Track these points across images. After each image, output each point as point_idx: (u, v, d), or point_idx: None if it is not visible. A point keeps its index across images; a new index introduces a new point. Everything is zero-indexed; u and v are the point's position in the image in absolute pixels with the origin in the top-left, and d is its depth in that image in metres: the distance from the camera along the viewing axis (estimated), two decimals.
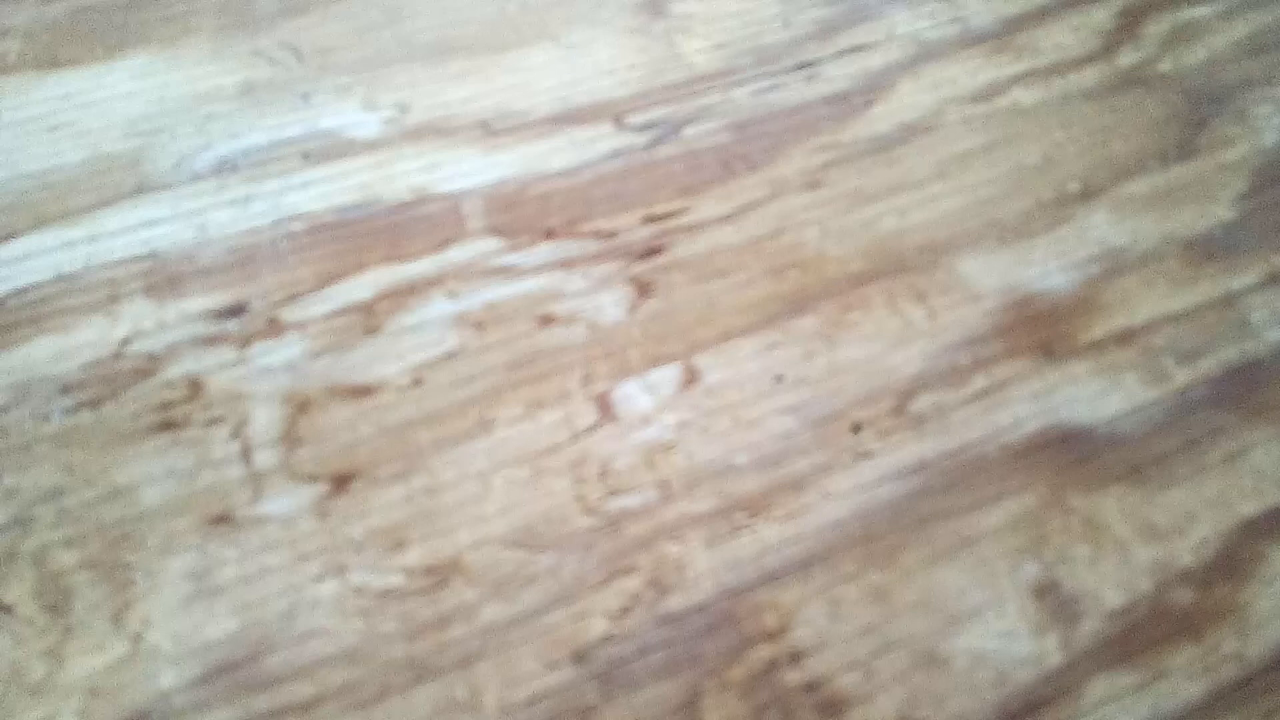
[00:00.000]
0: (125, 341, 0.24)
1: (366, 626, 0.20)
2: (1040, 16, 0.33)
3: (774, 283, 0.25)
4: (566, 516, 0.21)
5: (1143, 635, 0.20)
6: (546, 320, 0.24)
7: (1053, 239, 0.26)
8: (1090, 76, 0.31)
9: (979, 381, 0.23)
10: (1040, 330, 0.24)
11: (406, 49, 0.31)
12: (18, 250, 0.26)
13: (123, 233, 0.26)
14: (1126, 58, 0.31)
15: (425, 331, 0.24)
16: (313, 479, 0.22)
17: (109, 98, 0.30)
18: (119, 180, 0.27)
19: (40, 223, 0.26)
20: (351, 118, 0.29)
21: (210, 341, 0.24)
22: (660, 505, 0.21)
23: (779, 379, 0.23)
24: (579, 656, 0.19)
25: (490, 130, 0.29)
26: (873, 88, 0.30)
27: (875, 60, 0.31)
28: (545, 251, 0.26)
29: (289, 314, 0.25)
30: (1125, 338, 0.24)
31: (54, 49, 0.31)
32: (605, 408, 0.23)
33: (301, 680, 0.19)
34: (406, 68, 0.31)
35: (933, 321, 0.25)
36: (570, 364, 0.24)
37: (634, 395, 0.23)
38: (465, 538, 0.21)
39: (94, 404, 0.23)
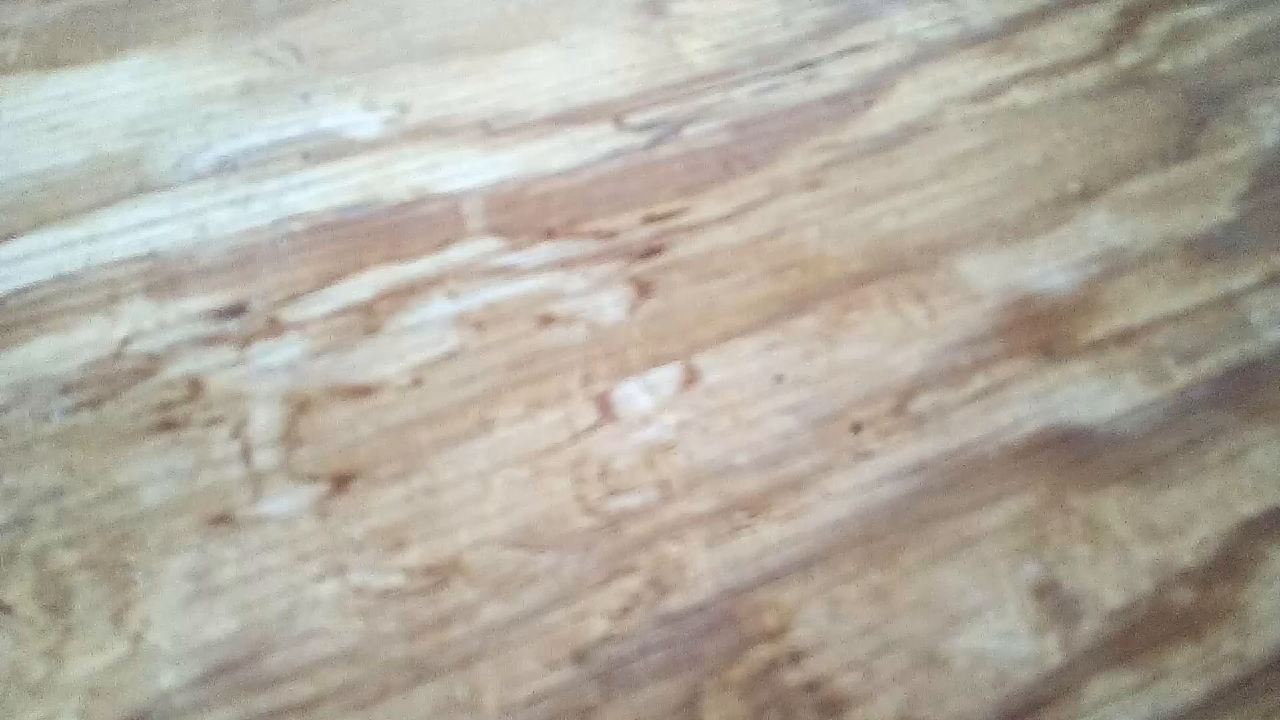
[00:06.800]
0: (125, 341, 0.24)
1: (366, 626, 0.20)
2: (1040, 16, 0.33)
3: (774, 283, 0.25)
4: (566, 516, 0.21)
5: (1143, 635, 0.20)
6: (546, 320, 0.24)
7: (1053, 239, 0.26)
8: (1090, 76, 0.31)
9: (979, 381, 0.23)
10: (1040, 330, 0.24)
11: (406, 49, 0.31)
12: (18, 250, 0.26)
13: (123, 233, 0.26)
14: (1126, 58, 0.31)
15: (425, 331, 0.24)
16: (313, 479, 0.22)
17: (109, 98, 0.30)
18: (119, 180, 0.27)
19: (40, 223, 0.26)
20: (351, 118, 0.29)
21: (210, 341, 0.24)
22: (660, 505, 0.21)
23: (779, 379, 0.23)
24: (579, 656, 0.19)
25: (490, 130, 0.29)
26: (873, 88, 0.30)
27: (875, 60, 0.31)
28: (545, 251, 0.26)
29: (289, 314, 0.25)
30: (1125, 338, 0.24)
31: (54, 49, 0.31)
32: (605, 408, 0.23)
33: (301, 680, 0.19)
34: (406, 68, 0.31)
35: (933, 321, 0.25)
36: (570, 364, 0.24)
37: (634, 395, 0.23)
38: (465, 538, 0.21)
39: (94, 404, 0.23)
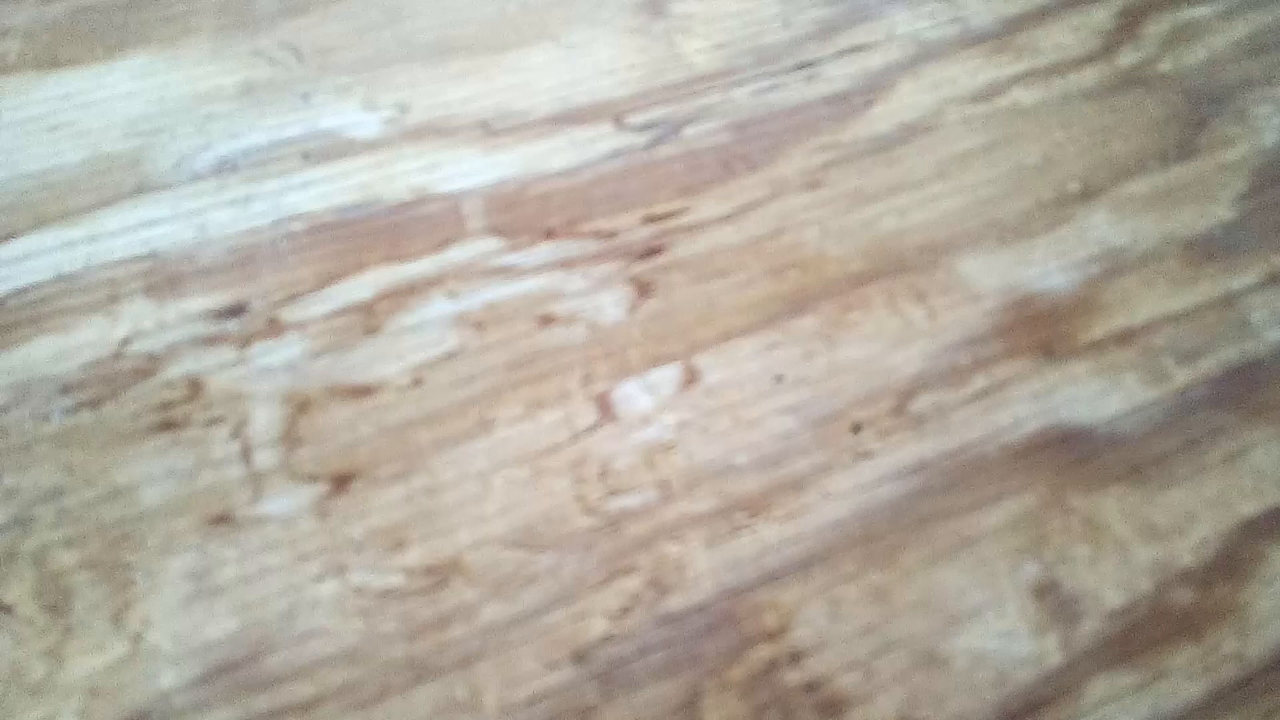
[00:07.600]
0: (125, 341, 0.24)
1: (366, 626, 0.20)
2: (1040, 16, 0.33)
3: (774, 283, 0.25)
4: (566, 516, 0.21)
5: (1143, 635, 0.20)
6: (546, 320, 0.24)
7: (1053, 239, 0.26)
8: (1090, 76, 0.31)
9: (979, 381, 0.23)
10: (1040, 330, 0.24)
11: (406, 49, 0.31)
12: (18, 250, 0.26)
13: (123, 233, 0.26)
14: (1126, 58, 0.31)
15: (425, 331, 0.24)
16: (313, 479, 0.22)
17: (109, 98, 0.30)
18: (119, 180, 0.27)
19: (40, 223, 0.26)
20: (351, 118, 0.29)
21: (210, 341, 0.24)
22: (660, 505, 0.21)
23: (779, 379, 0.23)
24: (579, 656, 0.19)
25: (490, 130, 0.29)
26: (873, 88, 0.30)
27: (875, 60, 0.31)
28: (545, 251, 0.26)
29: (289, 314, 0.25)
30: (1125, 338, 0.24)
31: (54, 49, 0.31)
32: (605, 408, 0.23)
33: (301, 680, 0.19)
34: (406, 68, 0.31)
35: (933, 321, 0.25)
36: (570, 364, 0.24)
37: (634, 395, 0.23)
38: (465, 538, 0.21)
39: (94, 404, 0.23)
